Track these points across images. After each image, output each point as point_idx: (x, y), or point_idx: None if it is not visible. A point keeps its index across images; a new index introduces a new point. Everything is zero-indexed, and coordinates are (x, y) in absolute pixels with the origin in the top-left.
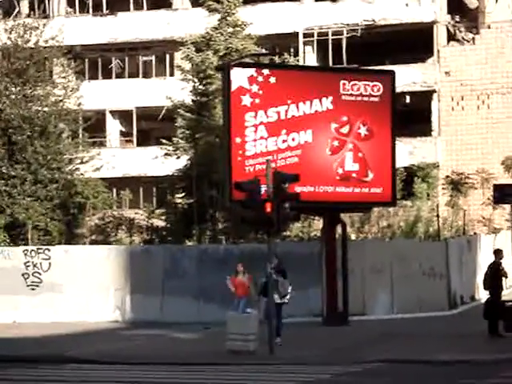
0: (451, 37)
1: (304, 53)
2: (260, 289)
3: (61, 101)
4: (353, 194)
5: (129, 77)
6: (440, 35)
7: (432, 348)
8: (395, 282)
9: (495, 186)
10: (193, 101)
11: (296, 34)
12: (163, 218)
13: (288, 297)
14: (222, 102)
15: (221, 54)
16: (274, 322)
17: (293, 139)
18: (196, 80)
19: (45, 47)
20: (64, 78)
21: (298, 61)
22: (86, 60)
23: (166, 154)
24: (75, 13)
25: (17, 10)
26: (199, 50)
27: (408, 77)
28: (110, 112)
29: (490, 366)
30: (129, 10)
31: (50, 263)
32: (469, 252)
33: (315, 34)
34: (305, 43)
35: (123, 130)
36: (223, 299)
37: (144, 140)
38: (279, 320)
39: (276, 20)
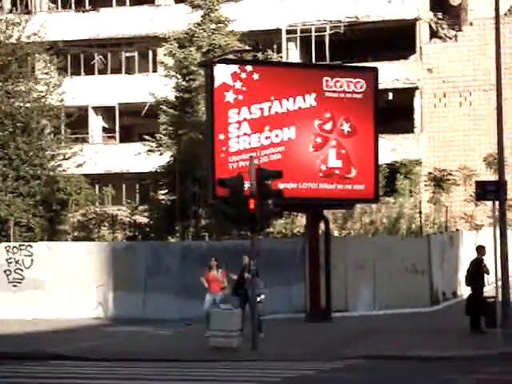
0: (434, 34)
1: (287, 49)
2: (233, 287)
3: (43, 97)
4: (336, 190)
5: (111, 73)
6: (422, 32)
7: (414, 344)
8: (377, 278)
9: (477, 182)
10: (176, 97)
11: (279, 31)
12: (146, 214)
13: (262, 296)
14: (205, 99)
15: (204, 50)
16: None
17: (276, 136)
18: (179, 76)
19: (27, 43)
20: (46, 73)
21: (281, 57)
22: (69, 56)
23: (149, 151)
24: (57, 8)
25: None
26: (182, 46)
27: (391, 74)
28: (93, 108)
29: (472, 361)
30: (111, 5)
31: (32, 260)
32: (451, 248)
33: (298, 31)
34: (288, 40)
35: (106, 126)
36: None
37: (127, 136)
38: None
39: (259, 16)
